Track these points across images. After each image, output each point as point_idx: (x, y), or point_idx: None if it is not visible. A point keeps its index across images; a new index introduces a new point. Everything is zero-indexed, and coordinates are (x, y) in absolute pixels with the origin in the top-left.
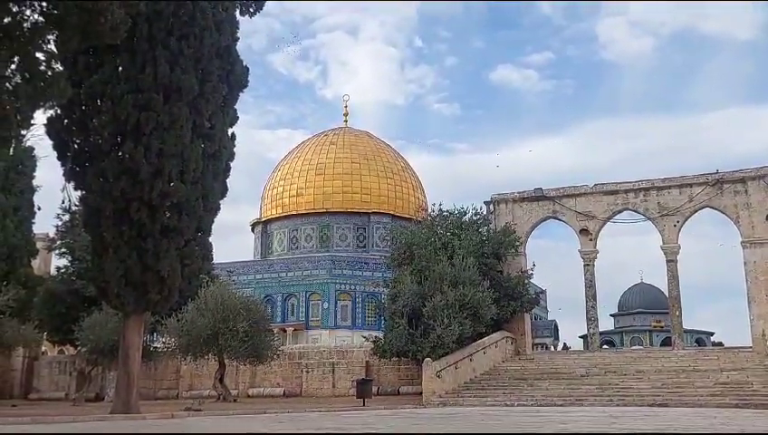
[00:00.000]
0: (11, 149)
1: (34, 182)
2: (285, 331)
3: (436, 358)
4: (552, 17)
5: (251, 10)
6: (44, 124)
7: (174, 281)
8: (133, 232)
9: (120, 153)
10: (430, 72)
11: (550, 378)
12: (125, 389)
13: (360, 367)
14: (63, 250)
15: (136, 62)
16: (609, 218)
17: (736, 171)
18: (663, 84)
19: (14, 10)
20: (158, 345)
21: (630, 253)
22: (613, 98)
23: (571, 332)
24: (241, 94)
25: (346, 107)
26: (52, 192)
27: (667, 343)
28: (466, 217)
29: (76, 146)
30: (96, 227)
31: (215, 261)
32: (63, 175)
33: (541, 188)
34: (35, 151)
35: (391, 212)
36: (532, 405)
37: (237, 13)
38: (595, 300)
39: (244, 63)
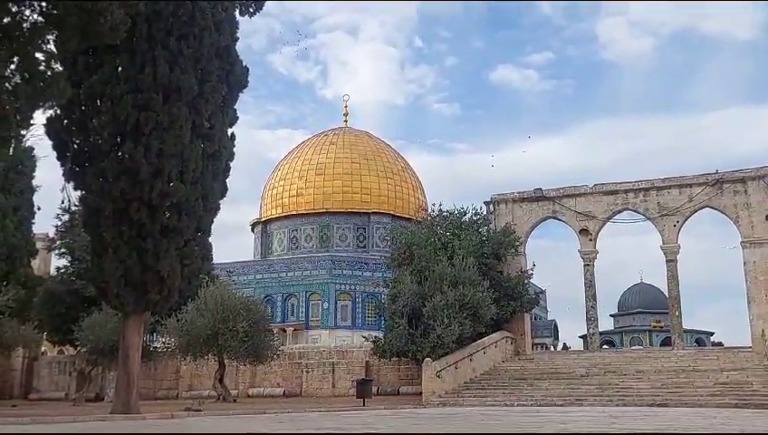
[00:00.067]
0: (11, 149)
1: (34, 182)
2: (285, 331)
3: (436, 358)
4: (552, 17)
5: (250, 10)
6: (44, 124)
7: (174, 281)
8: (133, 232)
9: (119, 153)
10: (430, 72)
11: (550, 378)
12: (125, 389)
13: (360, 367)
14: (63, 250)
15: (135, 62)
16: (608, 218)
17: (736, 171)
18: (663, 84)
19: (13, 10)
20: (158, 345)
21: (630, 253)
22: (613, 98)
23: (571, 332)
24: (241, 94)
25: (346, 107)
26: (52, 192)
27: (666, 343)
28: (466, 218)
29: (76, 146)
30: (96, 228)
31: (215, 261)
32: (63, 175)
33: (540, 189)
34: (35, 151)
35: (391, 212)
36: (531, 405)
37: (237, 13)
38: (595, 300)
39: (244, 63)
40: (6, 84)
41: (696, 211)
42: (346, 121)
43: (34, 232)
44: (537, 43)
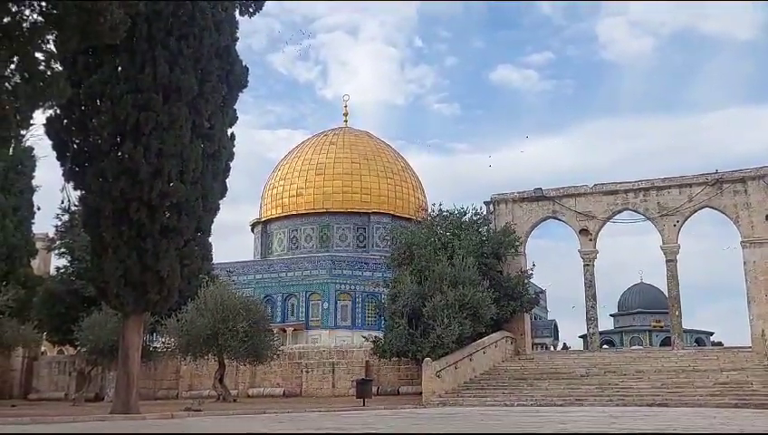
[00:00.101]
0: (10, 149)
1: (34, 182)
2: (285, 331)
3: (435, 358)
4: (552, 17)
5: (250, 10)
6: (44, 124)
7: (173, 281)
8: (133, 232)
9: (119, 153)
10: (430, 72)
11: (549, 378)
12: (125, 389)
13: (360, 367)
14: (63, 250)
15: (135, 62)
16: (608, 218)
17: (736, 171)
18: (663, 84)
19: (13, 10)
20: (158, 345)
21: (630, 253)
22: (613, 98)
23: (571, 332)
24: (241, 94)
25: (346, 107)
26: (52, 192)
27: (666, 342)
28: (466, 218)
29: (75, 146)
30: (95, 228)
31: (214, 261)
32: (63, 175)
33: (540, 188)
34: (35, 151)
35: (391, 212)
36: (531, 405)
37: (237, 13)
38: (595, 300)
39: (244, 63)
40: (6, 84)
41: (695, 211)
42: (346, 121)
43: (34, 232)
44: (537, 43)
